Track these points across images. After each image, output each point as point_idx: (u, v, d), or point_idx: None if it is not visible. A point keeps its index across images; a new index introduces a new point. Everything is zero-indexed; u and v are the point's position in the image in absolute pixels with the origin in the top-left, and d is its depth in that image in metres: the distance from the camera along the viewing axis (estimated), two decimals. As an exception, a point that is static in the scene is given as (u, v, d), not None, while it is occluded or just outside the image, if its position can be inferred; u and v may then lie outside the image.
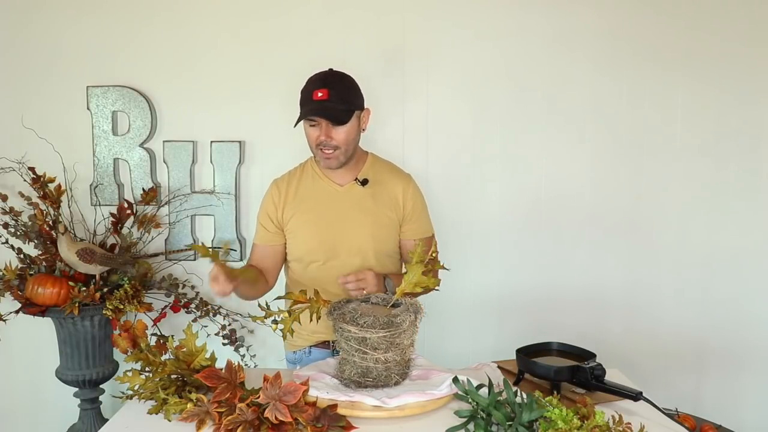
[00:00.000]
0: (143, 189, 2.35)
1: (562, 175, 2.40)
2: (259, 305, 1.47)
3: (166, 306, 2.29)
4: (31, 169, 2.23)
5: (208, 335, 2.28)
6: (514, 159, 2.39)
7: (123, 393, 1.43)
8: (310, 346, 1.82)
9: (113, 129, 2.39)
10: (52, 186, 2.24)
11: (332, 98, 1.66)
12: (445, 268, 1.60)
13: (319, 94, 1.65)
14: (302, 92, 1.72)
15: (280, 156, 2.39)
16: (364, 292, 1.60)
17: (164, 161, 2.39)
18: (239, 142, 2.37)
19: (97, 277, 2.18)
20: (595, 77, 2.35)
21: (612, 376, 1.44)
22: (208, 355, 1.41)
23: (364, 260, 1.74)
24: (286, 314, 1.42)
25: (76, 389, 2.26)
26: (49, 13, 2.38)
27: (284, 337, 1.42)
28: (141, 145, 2.38)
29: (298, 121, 1.69)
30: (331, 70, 1.73)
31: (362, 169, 1.80)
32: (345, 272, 1.67)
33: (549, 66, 2.35)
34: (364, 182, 1.78)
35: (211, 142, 2.37)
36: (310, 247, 1.77)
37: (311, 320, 1.45)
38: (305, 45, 2.35)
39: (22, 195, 2.26)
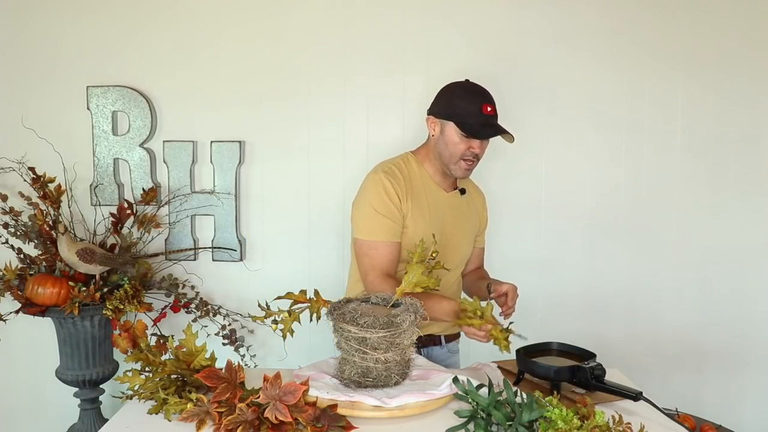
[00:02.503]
0: (143, 189, 2.35)
1: (562, 175, 2.40)
2: (260, 305, 1.47)
3: (166, 306, 2.29)
4: (31, 169, 2.23)
5: (208, 335, 2.28)
6: (514, 159, 2.39)
7: (123, 393, 1.43)
8: None
9: (113, 129, 2.39)
10: (52, 186, 2.24)
11: (496, 113, 1.72)
12: (446, 269, 1.60)
13: (489, 109, 1.70)
14: (463, 102, 1.70)
15: (280, 156, 2.40)
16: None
17: (164, 161, 2.39)
18: (239, 142, 2.37)
19: (97, 277, 2.18)
20: (596, 77, 2.36)
21: (612, 376, 1.44)
22: (208, 355, 1.41)
23: (459, 268, 1.80)
24: (286, 314, 1.42)
25: (76, 389, 2.26)
26: (49, 13, 2.38)
27: (284, 337, 1.42)
28: (141, 145, 2.38)
29: (481, 137, 1.70)
30: (469, 80, 1.77)
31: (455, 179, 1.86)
32: (446, 278, 1.72)
33: (549, 65, 2.35)
34: (463, 191, 1.86)
35: (211, 142, 2.37)
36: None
37: (311, 320, 1.45)
38: (305, 44, 2.35)
39: (22, 195, 2.26)
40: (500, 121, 1.74)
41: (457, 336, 1.95)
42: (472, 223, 1.90)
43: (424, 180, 1.78)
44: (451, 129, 1.70)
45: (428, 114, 1.78)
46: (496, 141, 2.37)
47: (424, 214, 1.74)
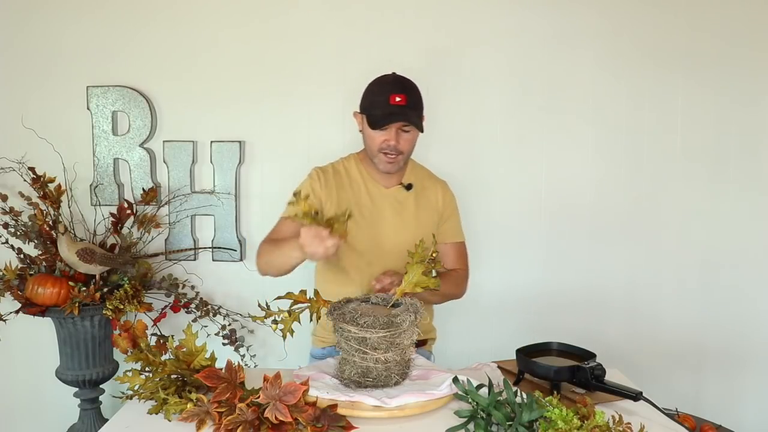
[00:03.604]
0: (143, 189, 2.35)
1: (562, 175, 2.40)
2: (260, 305, 1.47)
3: (166, 306, 2.29)
4: (31, 169, 2.23)
5: (208, 335, 2.28)
6: (515, 159, 2.39)
7: (123, 393, 1.43)
8: None
9: (113, 129, 2.39)
10: (52, 186, 2.24)
11: (409, 103, 1.67)
12: (445, 269, 1.60)
13: (397, 99, 1.65)
14: (373, 94, 1.70)
15: (280, 156, 2.40)
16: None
17: (164, 161, 2.39)
18: (239, 142, 2.37)
19: (97, 277, 2.18)
20: (596, 77, 2.35)
21: (612, 376, 1.44)
22: (208, 355, 1.41)
23: (404, 262, 1.74)
24: (286, 314, 1.42)
25: (76, 389, 2.26)
26: (49, 13, 2.38)
27: (284, 337, 1.42)
28: (141, 145, 2.38)
29: (379, 126, 1.66)
30: (395, 73, 1.74)
31: (405, 174, 1.82)
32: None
33: (550, 66, 2.35)
34: (409, 187, 1.81)
35: (211, 142, 2.37)
36: (349, 244, 1.71)
37: (311, 320, 1.45)
38: (305, 45, 2.35)
39: (22, 195, 2.26)
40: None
41: (422, 343, 1.86)
42: (422, 216, 1.82)
43: (363, 177, 1.80)
44: (366, 121, 1.71)
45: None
46: (497, 144, 2.38)
47: (351, 209, 1.72)
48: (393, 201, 1.80)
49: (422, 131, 1.70)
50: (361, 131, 1.77)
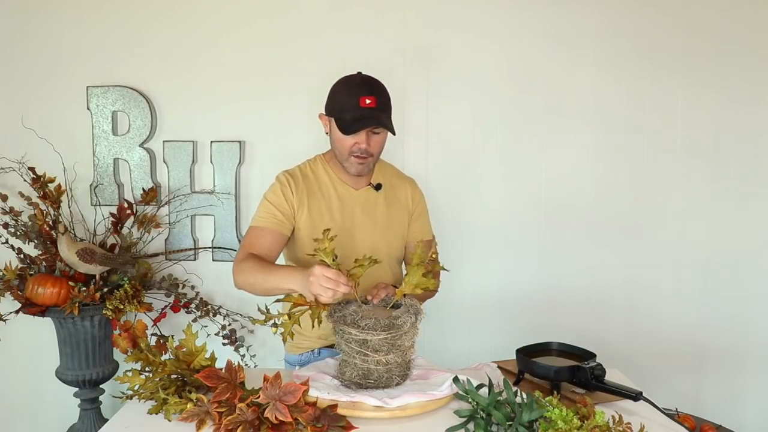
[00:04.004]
0: (143, 189, 2.35)
1: (562, 176, 2.40)
2: (259, 308, 1.46)
3: (166, 306, 2.29)
4: (31, 169, 2.23)
5: (208, 335, 2.28)
6: (515, 159, 2.40)
7: (123, 393, 1.43)
8: (320, 348, 1.78)
9: (113, 129, 2.39)
10: (52, 186, 2.24)
11: (379, 105, 1.62)
12: (445, 269, 1.60)
13: (368, 101, 1.60)
14: (341, 96, 1.65)
15: (280, 156, 2.39)
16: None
17: (164, 161, 2.39)
18: (239, 142, 2.37)
19: (97, 277, 2.18)
20: (596, 78, 2.35)
21: (612, 376, 1.44)
22: (208, 355, 1.41)
23: (377, 265, 1.69)
24: (286, 317, 1.41)
25: (76, 389, 2.26)
26: (49, 13, 2.38)
27: (284, 340, 1.41)
28: (141, 145, 2.38)
29: (351, 132, 1.60)
30: (361, 73, 1.69)
31: (373, 174, 1.79)
32: (377, 274, 1.65)
33: (550, 66, 2.35)
34: (378, 187, 1.77)
35: (211, 142, 2.37)
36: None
37: (313, 326, 1.44)
38: (305, 45, 2.35)
39: (22, 195, 2.26)
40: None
41: None
42: (393, 217, 1.79)
43: (332, 180, 1.75)
44: (335, 125, 1.65)
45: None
46: (497, 144, 2.38)
47: (323, 214, 1.70)
48: (363, 202, 1.76)
49: (394, 134, 1.66)
50: (327, 134, 1.72)
